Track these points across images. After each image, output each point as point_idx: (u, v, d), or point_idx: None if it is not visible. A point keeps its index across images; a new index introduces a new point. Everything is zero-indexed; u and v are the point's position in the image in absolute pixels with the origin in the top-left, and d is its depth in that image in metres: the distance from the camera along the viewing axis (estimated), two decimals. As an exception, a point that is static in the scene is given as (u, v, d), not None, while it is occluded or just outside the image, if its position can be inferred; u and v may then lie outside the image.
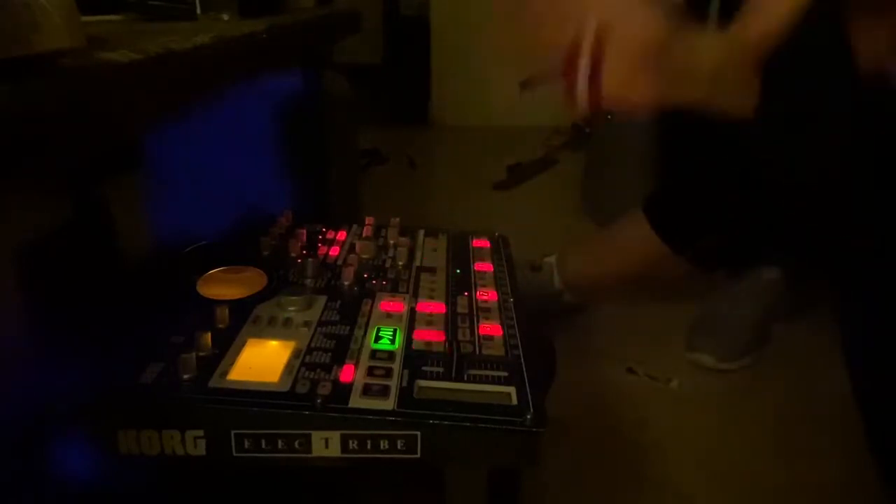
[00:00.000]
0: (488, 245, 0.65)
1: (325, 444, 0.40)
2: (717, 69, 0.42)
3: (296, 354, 0.44)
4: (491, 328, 0.50)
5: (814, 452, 0.83)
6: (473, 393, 0.42)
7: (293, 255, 0.59)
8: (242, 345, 0.45)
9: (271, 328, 0.48)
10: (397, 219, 0.67)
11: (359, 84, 1.06)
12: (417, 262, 0.60)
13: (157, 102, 0.43)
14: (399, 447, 0.40)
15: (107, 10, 0.66)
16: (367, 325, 0.49)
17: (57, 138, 0.31)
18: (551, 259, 1.09)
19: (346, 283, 0.55)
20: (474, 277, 0.58)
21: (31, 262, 0.49)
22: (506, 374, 0.44)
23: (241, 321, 0.48)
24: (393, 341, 0.47)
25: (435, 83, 2.90)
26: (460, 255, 0.62)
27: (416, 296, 0.54)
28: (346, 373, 0.42)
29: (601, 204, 1.46)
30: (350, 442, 0.40)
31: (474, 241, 0.66)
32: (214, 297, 0.51)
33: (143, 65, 0.39)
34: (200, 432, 0.40)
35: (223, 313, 0.48)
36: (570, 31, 0.43)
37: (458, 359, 0.45)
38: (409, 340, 0.47)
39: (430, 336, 0.48)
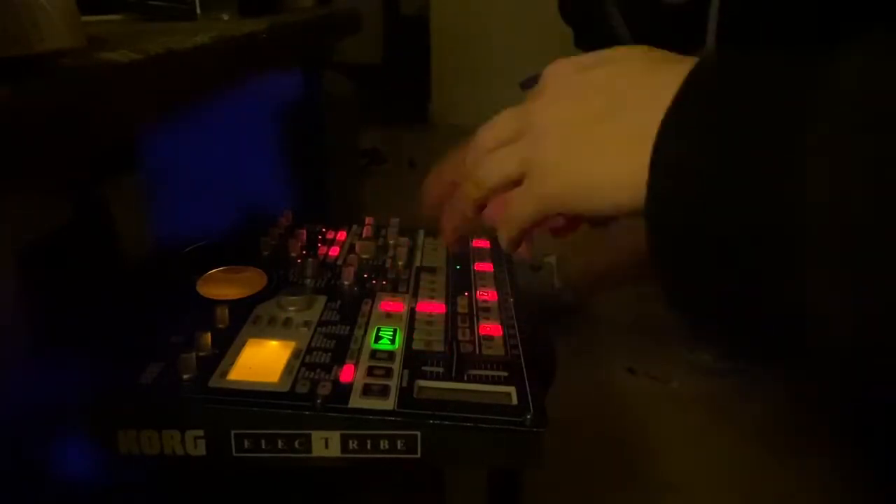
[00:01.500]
0: (488, 245, 0.65)
1: (325, 444, 0.40)
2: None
3: (296, 354, 0.44)
4: (491, 328, 0.50)
5: (813, 453, 0.83)
6: (473, 393, 0.42)
7: (293, 255, 0.59)
8: (242, 345, 0.45)
9: (271, 328, 0.48)
10: (397, 219, 0.67)
11: (359, 84, 1.06)
12: (417, 262, 0.60)
13: (157, 102, 0.42)
14: (399, 447, 0.40)
15: (107, 10, 0.66)
16: (367, 325, 0.49)
17: (57, 138, 0.31)
18: (551, 259, 1.09)
19: (346, 283, 0.55)
20: (474, 277, 0.58)
21: (31, 263, 0.49)
22: (506, 374, 0.44)
23: (241, 321, 0.48)
24: (393, 341, 0.47)
25: (435, 83, 2.90)
26: (460, 255, 0.62)
27: (416, 296, 0.54)
28: (346, 373, 0.42)
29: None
30: (350, 442, 0.40)
31: (474, 241, 0.66)
32: (214, 297, 0.51)
33: (143, 65, 0.39)
34: (200, 432, 0.40)
35: (223, 313, 0.48)
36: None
37: (458, 359, 0.45)
38: (409, 340, 0.47)
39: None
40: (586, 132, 0.32)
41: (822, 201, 0.23)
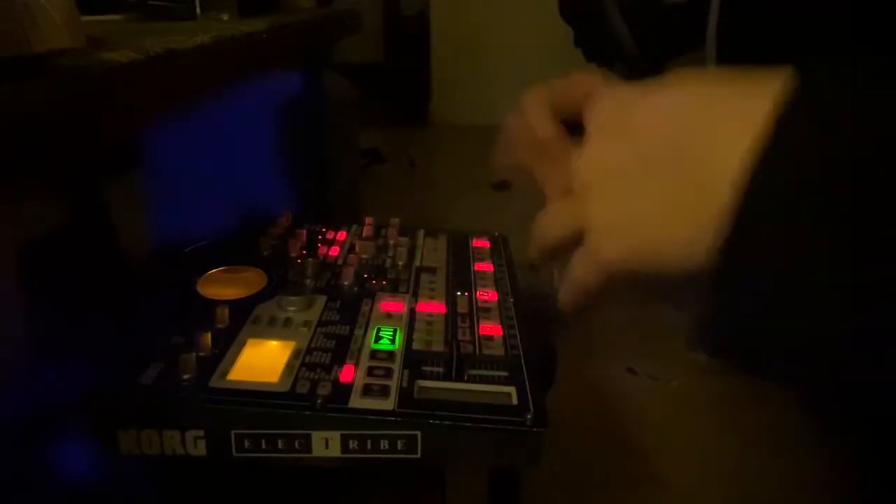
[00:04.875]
0: (488, 245, 0.65)
1: (326, 445, 0.40)
2: None
3: (296, 354, 0.44)
4: (491, 328, 0.49)
5: (813, 453, 0.83)
6: (474, 393, 0.42)
7: (293, 255, 0.59)
8: (242, 345, 0.45)
9: (271, 328, 0.48)
10: (397, 219, 0.67)
11: (359, 84, 1.06)
12: (417, 262, 0.60)
13: (157, 102, 0.43)
14: (399, 447, 0.40)
15: (107, 10, 0.66)
16: (367, 325, 0.49)
17: (57, 138, 0.31)
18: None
19: (346, 283, 0.54)
20: (474, 277, 0.58)
21: (32, 263, 0.49)
22: (506, 374, 0.44)
23: (241, 321, 0.48)
24: (393, 341, 0.47)
25: (435, 83, 2.90)
26: (460, 255, 0.62)
27: (416, 296, 0.54)
28: (347, 373, 0.42)
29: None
30: (350, 442, 0.40)
31: (474, 241, 0.66)
32: (214, 297, 0.51)
33: (143, 65, 0.39)
34: (201, 432, 0.40)
35: (223, 313, 0.48)
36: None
37: (458, 359, 0.45)
38: (409, 340, 0.47)
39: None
40: (639, 185, 0.27)
41: None
